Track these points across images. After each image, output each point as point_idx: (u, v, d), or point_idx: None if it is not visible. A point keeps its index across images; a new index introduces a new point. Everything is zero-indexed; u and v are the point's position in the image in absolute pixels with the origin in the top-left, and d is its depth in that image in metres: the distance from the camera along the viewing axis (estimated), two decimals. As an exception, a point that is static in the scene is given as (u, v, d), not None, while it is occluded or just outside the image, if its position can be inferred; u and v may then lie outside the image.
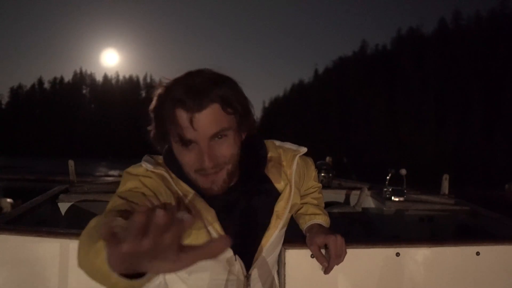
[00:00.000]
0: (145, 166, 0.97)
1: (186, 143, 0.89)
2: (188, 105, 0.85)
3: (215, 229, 0.95)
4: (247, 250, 1.02)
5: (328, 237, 1.12)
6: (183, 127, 0.87)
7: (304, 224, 1.23)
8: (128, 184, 0.93)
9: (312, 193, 1.30)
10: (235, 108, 0.90)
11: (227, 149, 0.91)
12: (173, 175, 0.99)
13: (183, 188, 0.98)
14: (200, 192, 0.97)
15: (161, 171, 0.97)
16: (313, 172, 1.31)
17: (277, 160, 1.12)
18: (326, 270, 1.14)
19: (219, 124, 0.88)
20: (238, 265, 1.00)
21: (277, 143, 1.17)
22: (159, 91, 0.92)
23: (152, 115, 0.94)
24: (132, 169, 0.98)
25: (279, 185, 1.08)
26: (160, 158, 1.06)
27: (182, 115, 0.86)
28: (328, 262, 1.13)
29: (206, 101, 0.86)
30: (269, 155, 1.10)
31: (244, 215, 1.02)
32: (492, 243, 1.29)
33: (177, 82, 0.90)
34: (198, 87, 0.86)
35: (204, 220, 0.95)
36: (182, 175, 0.97)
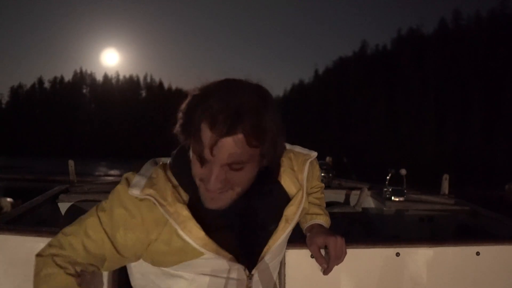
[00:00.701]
0: (131, 192, 0.94)
1: (201, 161, 0.88)
2: (217, 128, 0.82)
3: (208, 249, 0.94)
4: (252, 252, 1.01)
5: (328, 238, 1.12)
6: (204, 147, 0.85)
7: (305, 223, 1.23)
8: (114, 211, 0.95)
9: (315, 192, 1.29)
10: (262, 141, 0.86)
11: (240, 178, 0.90)
12: (168, 190, 0.96)
13: (173, 208, 0.94)
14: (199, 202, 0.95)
15: (149, 196, 0.94)
16: (317, 171, 1.31)
17: (288, 165, 1.10)
18: (325, 271, 1.14)
19: (239, 157, 0.86)
20: (241, 266, 0.99)
21: (287, 146, 1.15)
22: (196, 92, 0.90)
23: (180, 114, 0.91)
24: (122, 190, 0.97)
25: (290, 190, 1.07)
26: (166, 160, 1.05)
27: (207, 134, 0.84)
28: (328, 263, 1.13)
29: (235, 129, 0.82)
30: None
31: (251, 217, 1.01)
32: (492, 243, 1.29)
33: (215, 93, 0.86)
34: (234, 110, 0.82)
35: (195, 242, 0.93)
36: (187, 181, 0.96)
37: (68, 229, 0.99)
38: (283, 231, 1.03)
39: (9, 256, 1.26)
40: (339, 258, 1.12)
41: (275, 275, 1.14)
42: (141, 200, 0.95)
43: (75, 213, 2.17)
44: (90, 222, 0.97)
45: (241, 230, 1.00)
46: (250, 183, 0.94)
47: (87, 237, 0.96)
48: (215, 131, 0.82)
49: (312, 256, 1.17)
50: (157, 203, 0.93)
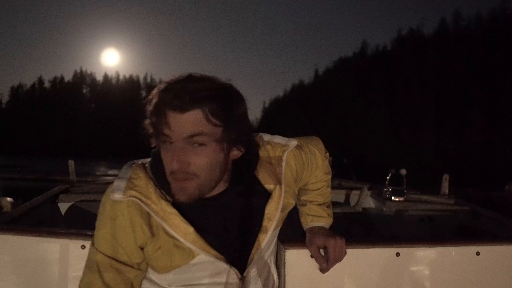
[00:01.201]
0: (113, 197, 0.93)
1: (162, 138, 0.89)
2: (173, 104, 0.85)
3: (198, 246, 0.93)
4: (241, 254, 1.01)
5: (328, 239, 1.12)
6: (162, 123, 0.87)
7: (306, 224, 1.22)
8: (101, 232, 0.95)
9: (319, 188, 1.24)
10: (221, 120, 0.87)
11: (202, 158, 0.88)
12: (151, 188, 0.95)
13: (159, 206, 0.93)
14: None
15: (131, 197, 0.93)
16: (320, 160, 1.22)
17: (266, 159, 1.06)
18: (323, 270, 1.14)
19: (197, 129, 0.86)
20: (232, 269, 0.98)
21: (266, 137, 1.11)
22: (158, 85, 0.91)
23: (146, 109, 0.92)
24: (105, 200, 0.96)
25: (269, 186, 1.03)
26: (144, 161, 1.03)
27: (165, 112, 0.86)
28: (327, 263, 1.13)
29: (191, 104, 0.84)
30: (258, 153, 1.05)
31: (235, 219, 0.99)
32: (492, 243, 1.28)
33: (175, 82, 0.89)
34: (189, 90, 0.85)
35: (184, 238, 0.93)
36: (166, 180, 0.94)
37: (84, 282, 0.97)
38: (267, 230, 1.01)
39: (9, 256, 1.26)
40: (338, 260, 1.12)
41: (265, 274, 1.11)
42: (125, 203, 0.93)
43: (75, 213, 2.16)
44: (97, 262, 0.95)
45: (227, 231, 0.98)
46: (216, 171, 0.92)
47: (103, 278, 0.94)
48: (172, 107, 0.85)
49: (312, 256, 1.17)
50: (141, 203, 0.93)
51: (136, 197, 0.92)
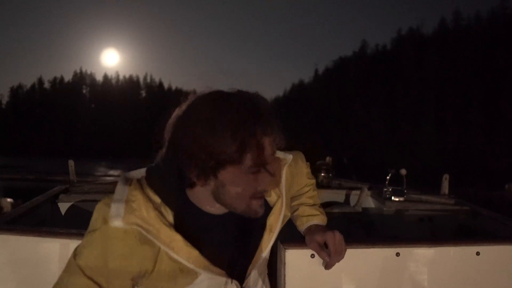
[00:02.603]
0: (115, 224, 0.86)
1: (257, 162, 0.87)
2: (267, 132, 0.87)
3: (201, 267, 0.92)
4: (241, 265, 1.01)
5: (326, 234, 1.12)
6: (260, 150, 0.86)
7: (302, 226, 1.22)
8: (93, 254, 0.86)
9: (307, 192, 1.28)
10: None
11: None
12: (151, 212, 0.88)
13: (161, 231, 0.88)
14: (189, 225, 0.92)
15: (136, 226, 0.86)
16: (304, 168, 1.29)
17: None
18: (327, 266, 1.14)
19: (273, 150, 0.91)
20: (234, 282, 0.98)
21: None
22: (238, 108, 0.85)
23: (228, 137, 0.83)
24: (99, 220, 0.88)
25: (269, 198, 1.06)
26: (138, 174, 0.98)
27: (263, 140, 0.87)
28: (329, 257, 1.13)
29: (276, 129, 0.89)
30: None
31: (238, 234, 1.00)
32: (492, 243, 1.28)
33: (256, 105, 0.88)
34: (273, 116, 0.89)
35: (188, 261, 0.91)
36: (173, 197, 0.92)
37: None
38: (269, 241, 1.04)
39: (9, 256, 1.26)
40: (340, 254, 1.12)
41: (262, 278, 1.14)
42: (124, 231, 0.87)
43: (75, 213, 2.17)
44: (74, 283, 0.87)
45: (229, 246, 0.98)
46: None
47: None
48: (267, 134, 0.87)
49: (312, 256, 1.16)
50: (143, 230, 0.87)
51: (138, 225, 0.87)
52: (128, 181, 0.94)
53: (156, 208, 0.90)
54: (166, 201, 0.92)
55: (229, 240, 0.99)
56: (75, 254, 0.89)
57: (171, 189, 0.92)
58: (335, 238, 1.11)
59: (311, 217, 1.22)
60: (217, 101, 0.88)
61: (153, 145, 0.95)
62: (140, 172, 0.99)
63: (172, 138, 0.89)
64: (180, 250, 0.89)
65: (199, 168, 0.86)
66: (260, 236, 1.03)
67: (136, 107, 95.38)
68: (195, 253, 0.90)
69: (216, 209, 0.96)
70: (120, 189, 0.92)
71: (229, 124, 0.83)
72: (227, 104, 0.86)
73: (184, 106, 0.91)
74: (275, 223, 1.05)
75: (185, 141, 0.86)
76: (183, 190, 0.95)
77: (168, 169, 0.93)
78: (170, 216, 0.91)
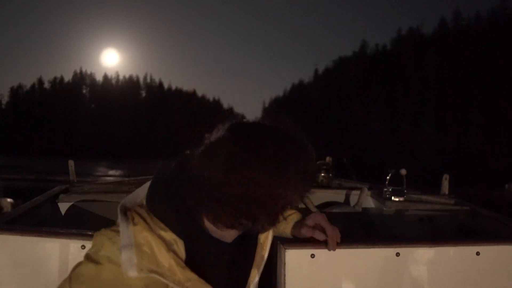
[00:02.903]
0: (129, 275, 0.78)
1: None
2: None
3: None
4: (241, 284, 1.03)
5: (312, 217, 1.16)
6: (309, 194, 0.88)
7: (287, 229, 1.22)
8: None
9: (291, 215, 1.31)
10: None
11: None
12: (163, 252, 0.82)
13: (174, 272, 0.82)
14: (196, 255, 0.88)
15: (151, 273, 0.79)
16: None
17: None
18: (330, 247, 1.13)
19: None
20: None
21: None
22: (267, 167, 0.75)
23: (282, 192, 0.79)
24: (103, 258, 0.80)
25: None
26: (136, 199, 0.93)
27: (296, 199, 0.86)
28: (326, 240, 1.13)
29: None
30: None
31: (238, 257, 0.99)
32: (492, 243, 1.28)
33: (296, 162, 0.80)
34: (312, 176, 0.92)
35: None
36: (187, 226, 0.86)
37: None
38: (262, 258, 1.08)
39: (9, 256, 1.26)
40: (334, 228, 1.14)
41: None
42: (137, 279, 0.79)
43: (75, 213, 2.17)
44: None
45: (232, 269, 0.98)
46: None
47: None
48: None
49: (312, 256, 1.16)
50: (157, 276, 0.80)
51: (152, 271, 0.79)
52: (129, 215, 0.86)
53: (169, 248, 0.84)
54: (179, 231, 0.86)
55: (230, 263, 0.97)
56: (71, 279, 0.83)
57: (186, 221, 0.86)
58: (322, 216, 1.15)
59: (291, 217, 1.23)
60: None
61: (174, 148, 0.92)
62: (139, 196, 0.94)
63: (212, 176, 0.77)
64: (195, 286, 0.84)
65: (238, 217, 0.80)
66: (251, 264, 1.05)
67: (136, 107, 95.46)
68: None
69: (229, 236, 0.92)
70: (125, 230, 0.83)
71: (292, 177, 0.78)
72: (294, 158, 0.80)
73: (242, 141, 0.77)
74: (265, 240, 1.10)
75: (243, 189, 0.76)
76: (199, 221, 0.88)
77: (177, 192, 0.86)
78: (183, 252, 0.86)
